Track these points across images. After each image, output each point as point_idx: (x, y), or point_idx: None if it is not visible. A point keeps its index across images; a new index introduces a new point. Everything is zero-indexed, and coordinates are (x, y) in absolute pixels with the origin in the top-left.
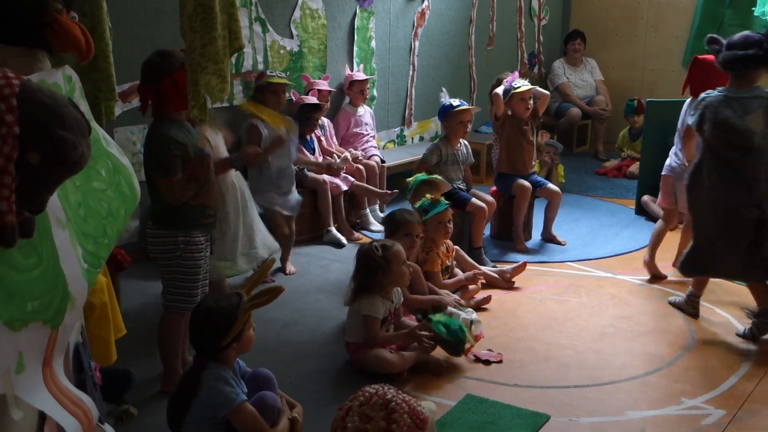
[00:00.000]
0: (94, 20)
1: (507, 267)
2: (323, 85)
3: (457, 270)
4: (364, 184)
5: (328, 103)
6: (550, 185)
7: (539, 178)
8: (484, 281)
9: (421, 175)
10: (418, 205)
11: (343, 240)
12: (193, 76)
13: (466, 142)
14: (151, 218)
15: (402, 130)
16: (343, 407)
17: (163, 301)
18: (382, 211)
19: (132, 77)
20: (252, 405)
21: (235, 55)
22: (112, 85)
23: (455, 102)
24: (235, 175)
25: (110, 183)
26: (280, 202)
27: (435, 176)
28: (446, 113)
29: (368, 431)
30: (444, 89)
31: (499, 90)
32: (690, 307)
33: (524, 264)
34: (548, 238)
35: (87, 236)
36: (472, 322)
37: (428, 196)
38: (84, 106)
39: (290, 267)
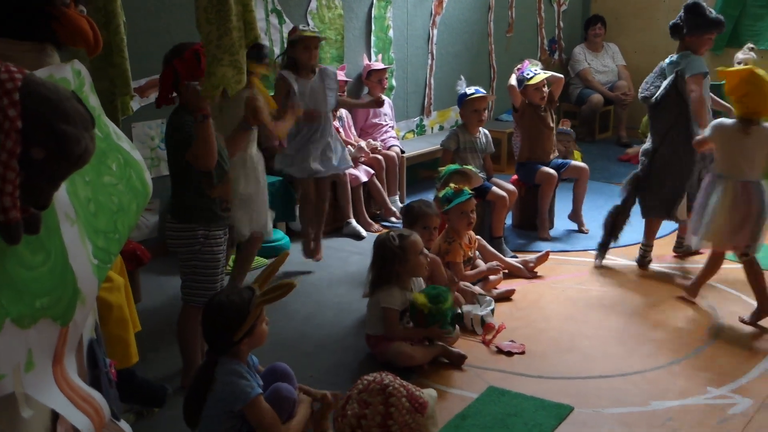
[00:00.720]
0: (108, 15)
1: (530, 257)
2: (340, 75)
3: (479, 261)
4: (380, 187)
5: (345, 93)
6: (575, 162)
7: (560, 160)
8: (506, 271)
9: (454, 165)
10: (441, 194)
11: (363, 232)
12: (210, 68)
13: (486, 131)
14: (170, 212)
15: (421, 120)
16: (344, 397)
17: (182, 296)
18: (402, 201)
19: (148, 72)
20: (267, 397)
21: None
22: (127, 80)
23: (470, 90)
24: (255, 152)
25: (121, 177)
26: (309, 162)
27: (468, 167)
28: (461, 102)
29: (367, 416)
30: (462, 77)
31: (513, 81)
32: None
33: (547, 253)
34: (575, 219)
35: (97, 232)
36: (483, 318)
37: (452, 185)
38: (94, 100)
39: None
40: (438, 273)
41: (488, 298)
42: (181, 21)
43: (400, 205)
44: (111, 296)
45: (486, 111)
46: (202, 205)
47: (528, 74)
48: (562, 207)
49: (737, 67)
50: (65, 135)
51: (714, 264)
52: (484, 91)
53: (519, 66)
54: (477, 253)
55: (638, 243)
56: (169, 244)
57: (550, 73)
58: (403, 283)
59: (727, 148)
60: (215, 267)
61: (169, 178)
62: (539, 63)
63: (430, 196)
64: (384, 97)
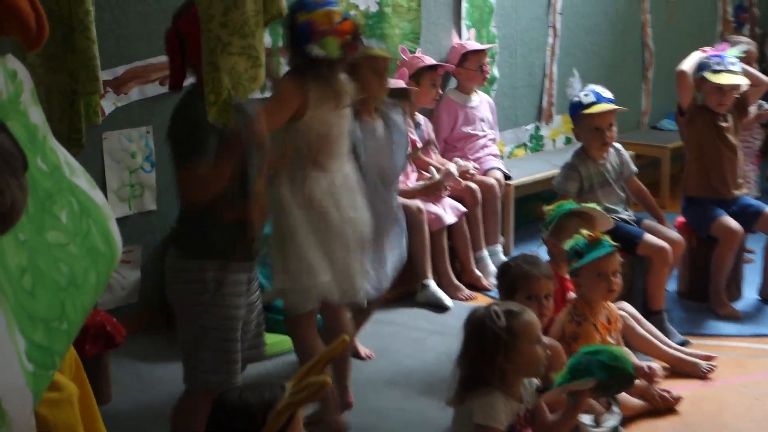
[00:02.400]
0: None
1: (705, 343)
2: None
3: (625, 351)
4: (467, 233)
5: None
6: None
7: (752, 201)
8: (665, 365)
9: (568, 203)
10: (570, 245)
11: (447, 300)
12: (211, 58)
13: (618, 146)
14: (172, 241)
15: (537, 129)
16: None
17: (185, 379)
18: (508, 253)
19: (128, 57)
20: None
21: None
22: (94, 72)
23: (588, 96)
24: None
25: (74, 233)
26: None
27: (590, 205)
28: (575, 115)
29: None
30: (575, 72)
31: (687, 65)
32: None
33: None
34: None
35: (34, 320)
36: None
37: (585, 233)
38: (36, 115)
39: (363, 348)
40: (558, 366)
41: (615, 408)
42: None
43: (504, 259)
44: (57, 413)
45: (613, 127)
46: (215, 233)
47: (717, 63)
48: (754, 269)
49: None
50: None
51: None
52: (610, 97)
53: (714, 48)
54: (621, 337)
55: None
56: (169, 291)
57: (754, 72)
58: (510, 387)
59: None
60: (233, 329)
61: (159, 209)
62: (750, 43)
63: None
64: (481, 94)
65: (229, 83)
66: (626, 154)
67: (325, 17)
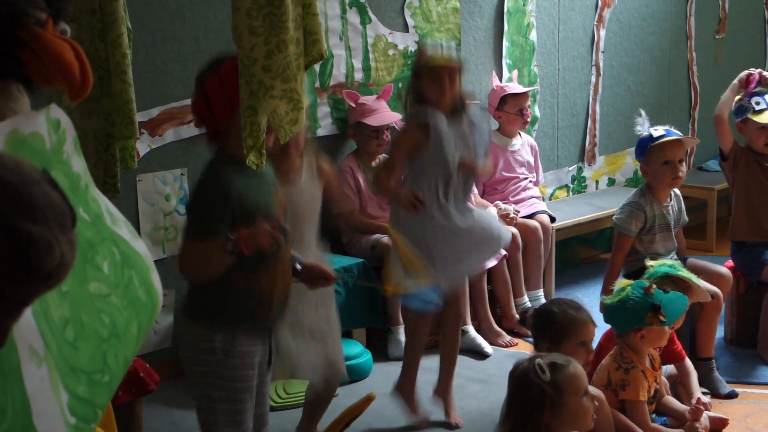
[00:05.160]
0: (106, 19)
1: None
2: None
3: (670, 400)
4: (507, 278)
5: None
6: None
7: None
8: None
9: (666, 266)
10: (635, 296)
11: (487, 347)
12: (252, 102)
13: (676, 191)
14: (182, 305)
15: (580, 170)
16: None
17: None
18: (549, 297)
19: (164, 98)
20: None
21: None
22: (130, 115)
23: (657, 131)
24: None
25: (116, 284)
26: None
27: (687, 274)
28: (644, 149)
29: None
30: (642, 113)
31: (723, 109)
32: None
33: None
34: None
35: (77, 372)
36: None
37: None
38: (79, 164)
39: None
40: (601, 419)
41: None
42: (214, 25)
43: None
44: None
45: (684, 163)
46: (226, 300)
47: (757, 103)
48: None
49: None
50: (30, 240)
51: None
52: (679, 133)
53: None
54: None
55: None
56: (181, 355)
57: None
58: None
59: None
60: (242, 400)
61: None
62: None
63: (592, 290)
64: (523, 135)
65: (274, 126)
66: (682, 201)
67: None
